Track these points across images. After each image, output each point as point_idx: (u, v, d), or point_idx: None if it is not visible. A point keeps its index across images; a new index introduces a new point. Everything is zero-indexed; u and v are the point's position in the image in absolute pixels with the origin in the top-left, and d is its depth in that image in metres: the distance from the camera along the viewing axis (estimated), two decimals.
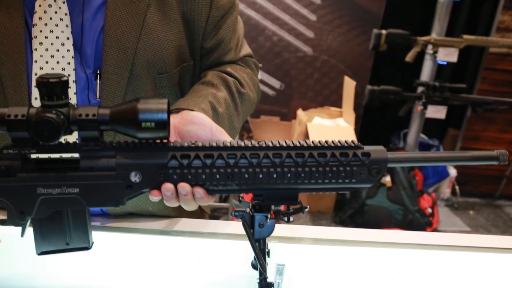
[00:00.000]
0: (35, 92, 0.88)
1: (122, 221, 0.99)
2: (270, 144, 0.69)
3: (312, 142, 0.70)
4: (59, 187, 0.66)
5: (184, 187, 0.67)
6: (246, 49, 1.12)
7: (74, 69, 0.90)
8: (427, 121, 3.62)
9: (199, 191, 0.68)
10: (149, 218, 1.02)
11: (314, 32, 3.81)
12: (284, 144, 0.69)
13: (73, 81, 0.90)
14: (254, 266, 0.82)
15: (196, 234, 0.97)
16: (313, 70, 3.88)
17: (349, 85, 3.64)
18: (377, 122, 4.01)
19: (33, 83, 0.88)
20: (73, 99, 0.90)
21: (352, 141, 0.71)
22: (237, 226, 0.98)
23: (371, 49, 3.38)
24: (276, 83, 3.92)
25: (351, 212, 3.41)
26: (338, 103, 3.85)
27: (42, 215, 0.68)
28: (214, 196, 0.72)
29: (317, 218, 3.52)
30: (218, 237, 0.97)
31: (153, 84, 0.95)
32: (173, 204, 0.70)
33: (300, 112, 3.72)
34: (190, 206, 0.71)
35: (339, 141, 0.71)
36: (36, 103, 0.89)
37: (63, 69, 0.89)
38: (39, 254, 0.71)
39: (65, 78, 0.61)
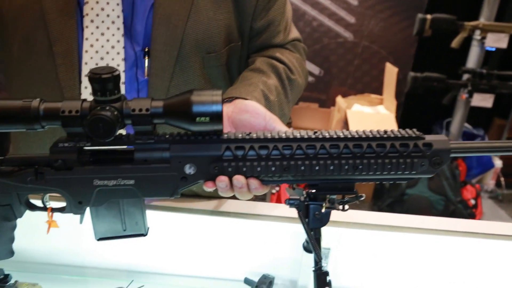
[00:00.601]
0: (85, 70, 0.90)
1: (169, 201, 0.99)
2: (327, 135, 0.68)
3: (371, 132, 0.68)
4: (114, 179, 0.67)
5: (239, 179, 0.67)
6: (294, 33, 1.10)
7: (123, 47, 0.90)
8: (472, 110, 3.50)
9: (254, 182, 0.68)
10: (195, 198, 1.02)
11: (356, 17, 3.72)
12: (342, 135, 0.68)
13: (122, 59, 0.91)
14: (306, 249, 0.82)
15: (242, 215, 0.97)
16: (354, 56, 3.80)
17: (390, 72, 3.55)
18: (419, 110, 3.91)
19: (84, 60, 0.89)
20: (121, 77, 0.92)
21: (412, 131, 0.68)
22: (284, 209, 0.98)
23: (414, 35, 3.28)
24: (315, 69, 3.86)
25: (390, 201, 3.36)
26: (378, 90, 3.77)
27: (99, 205, 0.69)
28: (269, 186, 0.71)
29: (355, 206, 3.46)
30: (264, 219, 0.97)
31: (201, 63, 0.95)
32: (227, 194, 0.70)
33: (339, 99, 3.67)
34: (244, 197, 0.70)
35: (399, 131, 0.68)
36: (86, 80, 0.90)
37: (113, 47, 0.90)
38: (98, 240, 0.73)
39: (117, 73, 0.61)
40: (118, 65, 0.90)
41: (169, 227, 0.97)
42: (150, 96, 0.92)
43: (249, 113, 0.77)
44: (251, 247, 0.99)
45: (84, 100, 0.63)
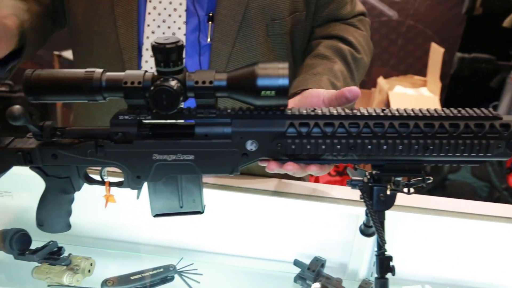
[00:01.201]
0: (147, 32, 0.90)
1: (223, 178, 0.98)
2: (396, 113, 0.64)
3: (443, 110, 0.64)
4: (174, 154, 0.66)
5: (294, 167, 0.66)
6: (360, 5, 1.08)
7: (186, 10, 0.91)
8: None
9: (313, 168, 0.67)
10: (250, 176, 1.01)
11: None
12: (412, 113, 0.64)
13: (184, 22, 0.91)
14: (363, 232, 0.80)
15: (294, 196, 0.95)
16: (397, 36, 3.68)
17: (436, 52, 3.42)
18: (464, 92, 3.77)
19: (146, 22, 0.90)
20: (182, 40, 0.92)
21: (489, 110, 0.64)
22: (338, 190, 0.96)
23: (464, 13, 3.15)
24: None
25: (431, 186, 3.27)
26: (422, 72, 3.65)
27: (157, 180, 0.68)
28: (330, 167, 0.69)
29: None
30: (315, 200, 0.95)
31: (265, 30, 0.94)
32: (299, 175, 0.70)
33: (381, 80, 3.57)
34: (299, 175, 0.70)
35: (473, 110, 0.64)
36: (147, 42, 0.90)
37: (175, 9, 0.91)
38: (154, 216, 0.72)
39: (181, 43, 0.59)
40: (179, 28, 0.91)
41: (222, 205, 0.96)
42: (212, 60, 0.91)
43: (314, 98, 0.76)
44: (302, 228, 0.98)
45: (146, 71, 0.62)
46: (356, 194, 0.86)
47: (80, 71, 0.61)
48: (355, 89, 0.68)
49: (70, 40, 1.03)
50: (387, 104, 3.30)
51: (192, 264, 0.95)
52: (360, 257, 0.97)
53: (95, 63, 0.97)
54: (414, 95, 3.40)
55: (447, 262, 0.96)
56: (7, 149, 0.68)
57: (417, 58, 3.77)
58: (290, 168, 0.66)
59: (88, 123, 1.05)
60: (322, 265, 0.94)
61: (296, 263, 0.96)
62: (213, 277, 0.95)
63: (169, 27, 0.91)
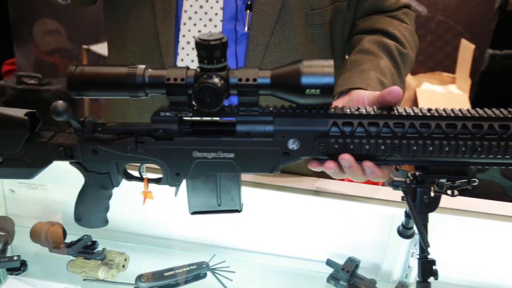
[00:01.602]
0: (184, 18, 0.91)
1: (261, 176, 0.97)
2: (443, 113, 0.63)
3: (493, 111, 0.62)
4: (214, 152, 0.66)
5: (346, 159, 0.64)
6: None
7: None
8: None
9: (369, 165, 0.65)
10: (287, 174, 1.00)
11: None
12: (459, 114, 0.62)
13: (220, 8, 0.90)
14: (401, 234, 0.78)
15: (329, 195, 0.94)
16: (426, 32, 3.61)
17: (466, 49, 3.35)
18: (495, 90, 3.68)
19: (184, 8, 0.91)
20: (218, 27, 0.91)
21: None
22: (373, 191, 0.95)
23: (496, 9, 3.07)
24: None
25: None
26: (451, 69, 3.58)
27: (196, 177, 0.68)
28: (389, 171, 0.67)
29: None
30: (350, 199, 0.94)
31: (304, 20, 0.92)
32: (338, 176, 0.68)
33: (408, 77, 3.52)
34: (358, 178, 0.67)
35: None
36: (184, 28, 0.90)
37: None
38: (192, 214, 0.72)
39: (225, 39, 0.58)
40: (216, 14, 0.90)
41: (257, 203, 0.95)
42: (249, 50, 0.91)
43: (360, 102, 0.74)
44: (336, 228, 0.96)
45: (188, 67, 0.61)
46: (392, 194, 0.85)
47: (123, 67, 0.61)
48: (395, 90, 0.64)
49: (106, 24, 1.03)
50: (415, 101, 3.25)
51: (225, 261, 0.95)
52: (394, 259, 0.95)
53: (130, 47, 0.97)
54: (443, 92, 3.34)
55: (486, 266, 0.94)
56: (49, 143, 0.69)
57: (446, 54, 3.69)
58: (331, 166, 0.65)
59: (120, 118, 1.05)
60: (357, 266, 0.93)
61: (329, 263, 0.94)
62: (246, 275, 0.95)
63: (206, 13, 0.90)
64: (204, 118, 0.66)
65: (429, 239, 0.80)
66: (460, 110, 0.63)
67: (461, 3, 3.54)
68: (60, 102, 0.61)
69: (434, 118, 0.62)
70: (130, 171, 0.73)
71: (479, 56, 3.42)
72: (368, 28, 0.99)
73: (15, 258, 0.88)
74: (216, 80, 0.58)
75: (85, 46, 2.82)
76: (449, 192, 0.68)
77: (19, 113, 0.69)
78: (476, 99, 3.64)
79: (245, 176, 0.94)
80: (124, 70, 0.60)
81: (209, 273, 0.92)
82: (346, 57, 1.01)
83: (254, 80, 0.60)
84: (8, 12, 3.06)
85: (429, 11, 3.58)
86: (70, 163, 0.71)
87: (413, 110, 0.63)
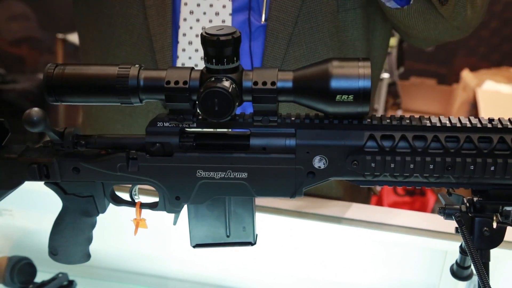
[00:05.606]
0: (184, 12, 0.91)
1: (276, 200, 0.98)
2: (508, 124, 0.64)
3: None
4: (223, 171, 0.67)
5: None
6: None
7: None
8: None
9: None
10: (308, 197, 1.01)
11: None
12: None
13: None
14: (455, 274, 0.79)
15: (367, 224, 0.95)
16: (490, 17, 3.62)
17: None
18: None
19: (183, 0, 0.91)
20: (227, 22, 0.92)
21: None
22: (418, 218, 0.96)
23: None
24: None
25: None
26: None
27: (200, 202, 0.69)
28: None
29: None
30: (391, 230, 0.94)
31: (334, 5, 0.93)
32: None
33: (466, 74, 3.52)
34: None
35: None
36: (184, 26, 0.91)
37: None
38: (194, 247, 0.73)
39: (238, 35, 0.60)
40: (224, 6, 0.91)
41: (274, 233, 0.97)
42: (267, 45, 0.92)
43: None
44: (373, 264, 0.97)
45: (193, 68, 0.63)
46: (443, 224, 0.86)
47: (113, 67, 0.63)
48: None
49: (78, 22, 1.03)
50: (474, 105, 3.24)
51: None
52: None
53: (114, 52, 0.98)
54: (511, 94, 3.32)
55: None
56: (20, 160, 0.70)
57: None
58: None
59: (104, 127, 1.07)
60: None
61: None
62: None
63: (211, 5, 0.91)
64: (211, 130, 0.67)
65: (491, 281, 0.81)
66: None
67: None
68: (36, 109, 0.63)
69: (497, 130, 0.63)
70: (119, 194, 0.75)
71: None
72: None
73: None
74: (226, 83, 0.60)
75: (60, 35, 2.85)
76: None
77: None
78: None
79: (260, 201, 0.96)
80: (114, 71, 0.62)
81: None
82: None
83: (273, 83, 0.61)
84: None
85: None
86: (45, 183, 0.73)
87: (469, 121, 0.64)
